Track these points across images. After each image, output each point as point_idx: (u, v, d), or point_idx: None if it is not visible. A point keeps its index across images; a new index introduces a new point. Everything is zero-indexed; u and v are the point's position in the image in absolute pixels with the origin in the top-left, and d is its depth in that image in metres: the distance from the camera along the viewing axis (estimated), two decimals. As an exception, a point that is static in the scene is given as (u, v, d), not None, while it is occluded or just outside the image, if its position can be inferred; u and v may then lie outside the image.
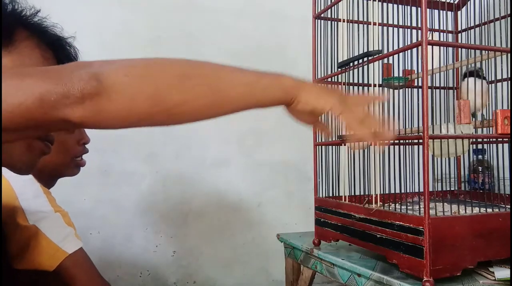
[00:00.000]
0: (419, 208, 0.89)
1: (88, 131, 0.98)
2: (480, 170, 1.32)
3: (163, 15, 1.63)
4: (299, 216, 1.72)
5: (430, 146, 0.80)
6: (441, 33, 1.16)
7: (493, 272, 0.78)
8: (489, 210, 0.81)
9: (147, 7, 1.63)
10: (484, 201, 0.90)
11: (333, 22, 1.07)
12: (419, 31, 0.77)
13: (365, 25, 0.99)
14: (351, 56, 0.97)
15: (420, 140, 0.75)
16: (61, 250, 0.77)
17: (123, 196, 1.59)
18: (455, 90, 1.19)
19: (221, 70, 0.51)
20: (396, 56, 0.86)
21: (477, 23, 1.01)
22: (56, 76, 0.40)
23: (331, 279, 1.00)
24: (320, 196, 1.09)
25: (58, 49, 0.64)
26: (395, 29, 1.02)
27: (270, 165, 1.77)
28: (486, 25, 0.92)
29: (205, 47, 1.65)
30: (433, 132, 0.81)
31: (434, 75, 1.08)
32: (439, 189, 1.16)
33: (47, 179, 0.88)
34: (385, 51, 0.89)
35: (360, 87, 1.02)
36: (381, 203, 0.91)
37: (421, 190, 0.74)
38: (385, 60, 0.99)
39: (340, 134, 1.02)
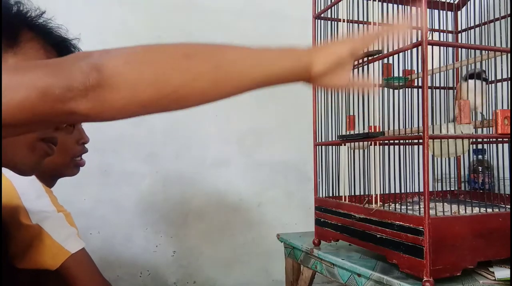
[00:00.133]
0: (419, 208, 0.89)
1: (88, 132, 0.98)
2: (480, 170, 1.32)
3: (163, 15, 1.63)
4: (299, 216, 1.72)
5: (430, 146, 0.80)
6: (441, 33, 1.16)
7: (493, 272, 0.78)
8: (489, 210, 0.81)
9: (147, 7, 1.63)
10: (484, 201, 0.90)
11: (333, 22, 1.07)
12: (419, 31, 0.77)
13: (365, 25, 0.99)
14: (351, 56, 0.97)
15: (420, 141, 0.75)
16: (64, 249, 0.77)
17: (123, 196, 1.59)
18: (455, 91, 1.19)
19: (223, 47, 0.49)
20: (396, 56, 0.86)
21: (477, 23, 1.01)
22: (58, 70, 0.40)
23: (331, 279, 1.00)
24: (320, 196, 1.09)
25: (62, 51, 0.64)
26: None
27: (270, 165, 1.77)
28: (486, 25, 0.92)
29: (205, 47, 1.65)
30: (433, 132, 0.81)
31: (434, 75, 1.08)
32: (439, 189, 1.16)
33: (48, 179, 0.89)
34: (385, 51, 0.89)
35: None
36: (381, 203, 0.91)
37: (421, 190, 0.74)
38: (385, 60, 0.99)
39: (340, 134, 1.02)
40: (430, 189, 0.74)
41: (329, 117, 1.05)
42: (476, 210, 0.85)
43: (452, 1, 1.19)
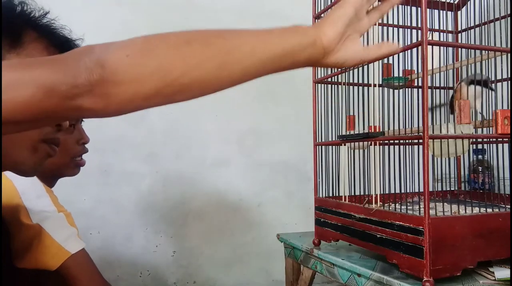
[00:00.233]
0: (419, 208, 0.89)
1: (88, 132, 0.98)
2: (480, 170, 1.32)
3: (163, 15, 1.63)
4: (299, 216, 1.73)
5: (430, 146, 0.80)
6: (441, 33, 1.16)
7: (493, 272, 0.78)
8: (489, 210, 0.81)
9: (147, 7, 1.63)
10: (484, 201, 0.90)
11: (333, 22, 1.07)
12: (419, 31, 0.77)
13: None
14: (351, 56, 0.97)
15: (420, 141, 0.74)
16: (64, 249, 0.77)
17: (123, 196, 1.59)
18: (454, 91, 1.19)
19: (225, 31, 0.47)
20: (396, 56, 0.86)
21: (477, 23, 1.01)
22: (63, 66, 0.40)
23: (331, 279, 1.00)
24: (320, 196, 1.09)
25: (66, 51, 0.64)
26: (395, 29, 1.02)
27: (270, 165, 1.77)
28: (486, 25, 0.92)
29: (205, 47, 1.65)
30: (433, 132, 0.81)
31: (434, 75, 1.08)
32: (439, 189, 1.16)
33: (48, 179, 0.89)
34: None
35: (360, 88, 1.02)
36: (381, 203, 0.91)
37: (421, 190, 0.74)
38: (385, 60, 0.99)
39: (340, 134, 1.02)
40: (430, 189, 0.74)
41: (329, 117, 1.06)
42: (476, 210, 0.85)
43: (452, 1, 1.19)
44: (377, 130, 0.93)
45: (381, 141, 0.92)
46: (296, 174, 1.79)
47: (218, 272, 1.69)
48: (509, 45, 0.84)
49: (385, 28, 0.95)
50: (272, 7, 1.75)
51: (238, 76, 0.46)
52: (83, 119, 0.95)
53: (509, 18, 0.97)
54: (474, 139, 1.04)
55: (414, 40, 0.79)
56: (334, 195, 1.05)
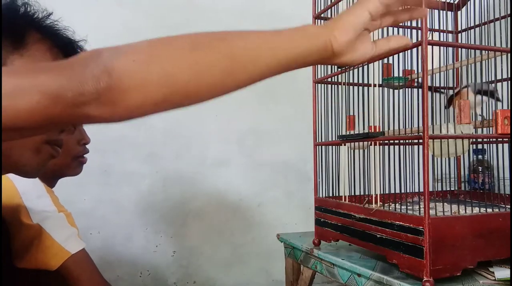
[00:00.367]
0: (419, 208, 0.89)
1: (89, 132, 0.98)
2: (480, 170, 1.32)
3: (164, 15, 1.63)
4: (299, 216, 1.73)
5: (430, 146, 0.80)
6: (441, 33, 1.16)
7: (493, 272, 0.78)
8: (489, 210, 0.81)
9: (148, 8, 1.63)
10: (484, 201, 0.90)
11: (333, 22, 1.07)
12: (419, 31, 0.77)
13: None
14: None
15: (420, 141, 0.75)
16: (64, 249, 0.77)
17: (123, 196, 1.59)
18: (454, 93, 1.19)
19: (231, 34, 0.46)
20: (396, 56, 0.86)
21: (477, 23, 1.01)
22: (69, 73, 0.39)
23: (331, 279, 1.00)
24: (320, 196, 1.09)
25: (69, 52, 0.63)
26: (395, 29, 1.02)
27: (270, 165, 1.77)
28: (486, 25, 0.92)
29: (205, 47, 1.65)
30: (433, 132, 0.81)
31: (434, 75, 1.08)
32: (439, 189, 1.16)
33: (49, 179, 0.89)
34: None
35: (360, 88, 1.02)
36: (381, 203, 0.91)
37: (421, 190, 0.74)
38: (385, 60, 0.99)
39: (340, 134, 1.02)
40: (430, 189, 0.74)
41: (329, 117, 1.06)
42: (476, 210, 0.85)
43: (452, 1, 1.19)
44: (377, 130, 0.93)
45: (381, 141, 0.92)
46: (296, 174, 1.79)
47: (218, 272, 1.69)
48: (509, 45, 0.84)
49: (385, 28, 0.95)
50: (272, 7, 1.76)
51: (245, 80, 0.46)
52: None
53: (509, 18, 0.97)
54: (474, 139, 1.04)
55: (414, 40, 0.79)
56: (334, 195, 1.05)
